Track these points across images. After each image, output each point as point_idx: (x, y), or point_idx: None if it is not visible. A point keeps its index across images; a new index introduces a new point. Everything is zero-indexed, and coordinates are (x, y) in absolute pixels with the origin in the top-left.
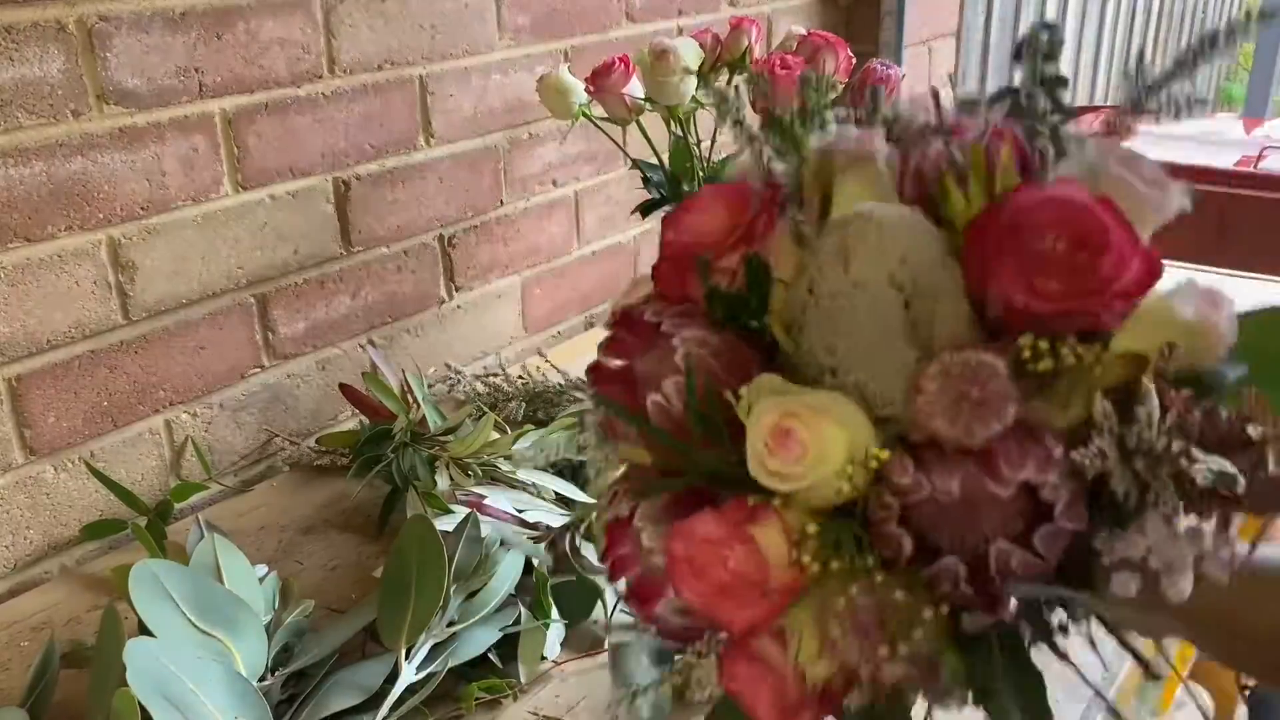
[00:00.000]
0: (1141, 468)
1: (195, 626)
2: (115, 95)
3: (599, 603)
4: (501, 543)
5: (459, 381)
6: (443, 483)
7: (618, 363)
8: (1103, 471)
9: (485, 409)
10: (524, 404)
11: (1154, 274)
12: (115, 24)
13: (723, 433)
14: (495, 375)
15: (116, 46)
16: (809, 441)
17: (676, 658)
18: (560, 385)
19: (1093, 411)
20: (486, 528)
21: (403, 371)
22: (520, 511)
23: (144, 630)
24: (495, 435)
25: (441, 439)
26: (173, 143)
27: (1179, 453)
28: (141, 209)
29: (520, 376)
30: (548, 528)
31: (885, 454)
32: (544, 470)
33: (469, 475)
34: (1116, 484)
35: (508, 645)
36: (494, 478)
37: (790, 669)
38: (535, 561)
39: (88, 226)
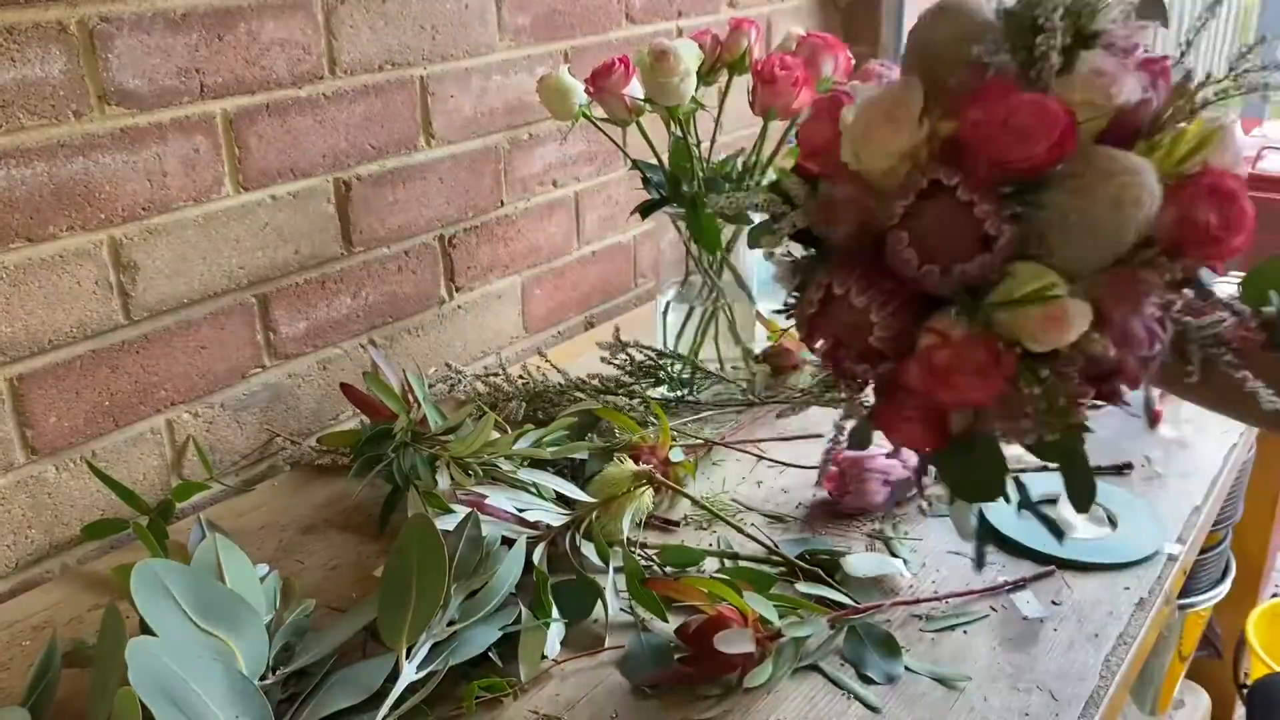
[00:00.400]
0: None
1: (197, 626)
2: (117, 96)
3: (599, 602)
4: (502, 541)
5: (459, 381)
6: (443, 482)
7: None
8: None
9: (485, 409)
10: (524, 404)
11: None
12: (116, 25)
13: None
14: (495, 375)
15: (118, 47)
16: (1067, 327)
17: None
18: (560, 385)
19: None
20: (487, 527)
21: (403, 371)
22: (520, 511)
23: (145, 630)
24: (495, 435)
25: (442, 439)
26: (174, 143)
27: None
28: (143, 209)
29: (520, 376)
30: (548, 527)
31: (1105, 342)
32: (544, 470)
33: (469, 475)
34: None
35: (508, 644)
36: (494, 477)
37: (931, 418)
38: (535, 560)
39: (89, 227)
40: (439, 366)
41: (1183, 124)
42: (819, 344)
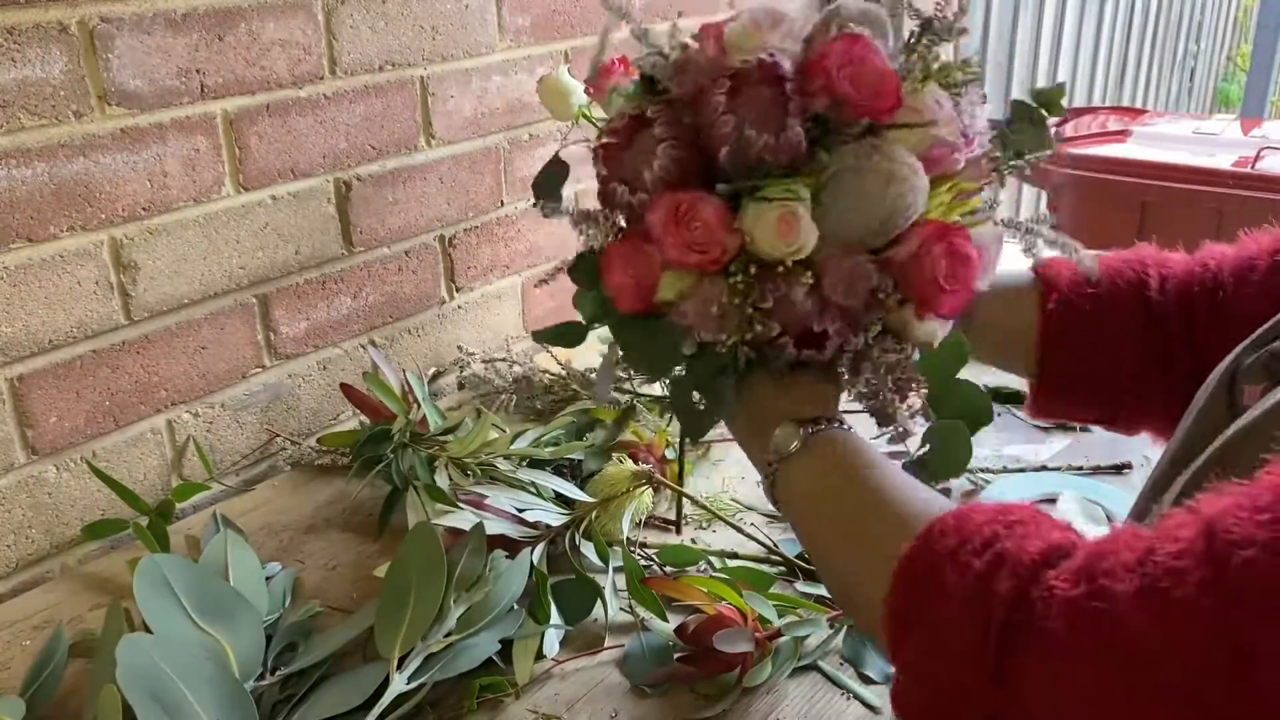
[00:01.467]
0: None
1: (194, 623)
2: (117, 96)
3: (598, 601)
4: (505, 555)
5: (469, 364)
6: (442, 482)
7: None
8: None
9: (482, 409)
10: (515, 396)
11: (960, 308)
12: (117, 25)
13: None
14: (503, 360)
15: (118, 48)
16: (794, 234)
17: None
18: (561, 375)
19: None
20: (488, 526)
21: (403, 371)
22: (520, 511)
23: (147, 626)
24: (494, 435)
25: (441, 439)
26: (174, 143)
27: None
28: (143, 209)
29: (517, 364)
30: (548, 527)
31: (808, 293)
32: (543, 470)
33: (468, 475)
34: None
35: (509, 644)
36: (493, 477)
37: (653, 279)
38: (535, 560)
39: (90, 227)
40: (443, 363)
41: (966, 191)
42: (602, 160)
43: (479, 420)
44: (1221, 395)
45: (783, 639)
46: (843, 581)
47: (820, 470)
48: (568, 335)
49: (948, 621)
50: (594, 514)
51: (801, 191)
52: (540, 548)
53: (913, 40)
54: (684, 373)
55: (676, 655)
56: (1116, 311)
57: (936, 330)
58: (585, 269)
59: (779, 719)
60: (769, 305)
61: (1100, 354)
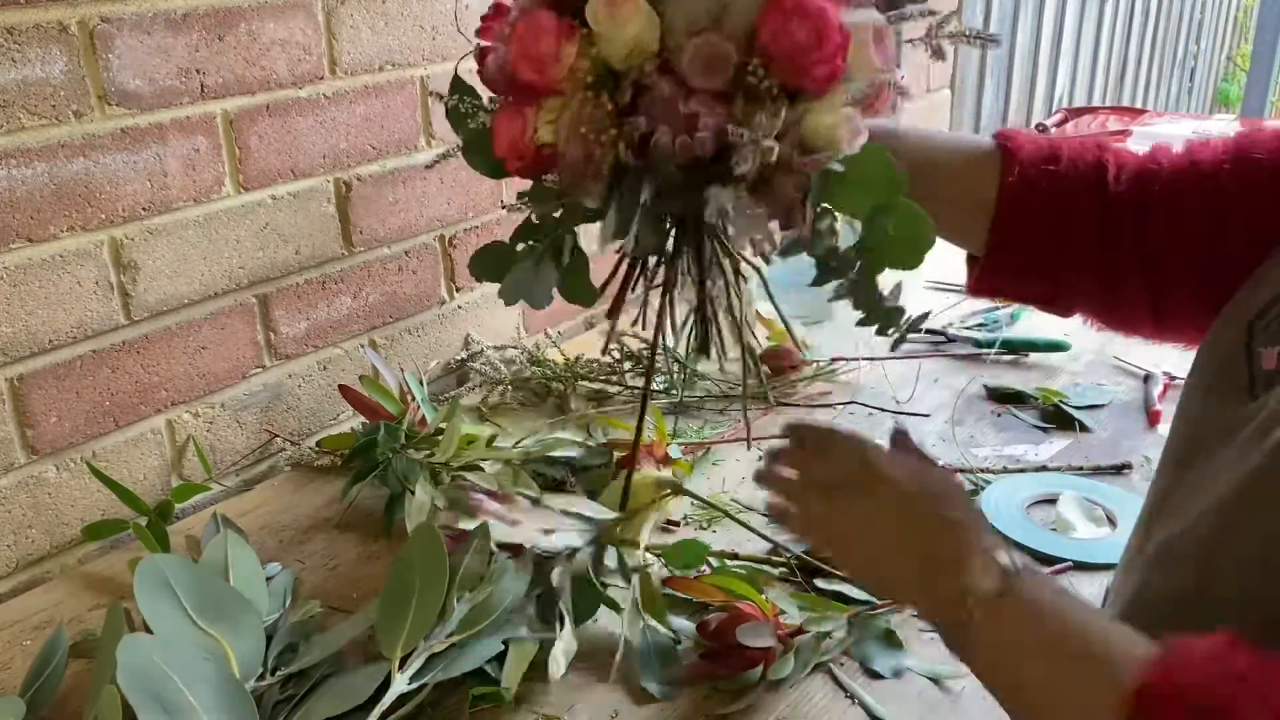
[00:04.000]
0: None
1: (195, 624)
2: (117, 96)
3: (599, 604)
4: (506, 556)
5: (482, 352)
6: (428, 489)
7: None
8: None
9: (455, 403)
10: (509, 388)
11: (836, 75)
12: (117, 25)
13: None
14: (514, 347)
15: (118, 48)
16: (625, 12)
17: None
18: (557, 368)
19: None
20: (497, 530)
21: (401, 371)
22: (547, 533)
23: (147, 626)
24: (467, 432)
25: (436, 438)
26: (174, 143)
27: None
28: (143, 209)
29: (517, 360)
30: (573, 549)
31: (653, 63)
32: (563, 492)
33: (449, 480)
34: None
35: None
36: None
37: (530, 130)
38: (554, 580)
39: (90, 227)
40: (452, 355)
41: None
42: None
43: (451, 419)
44: (1238, 364)
45: (805, 635)
46: None
47: (1033, 613)
48: (496, 263)
49: None
50: (617, 528)
51: None
52: (561, 568)
53: None
54: None
55: (699, 653)
56: (1074, 192)
57: (837, 122)
58: (477, 151)
59: (799, 716)
60: (627, 99)
61: (1053, 233)
